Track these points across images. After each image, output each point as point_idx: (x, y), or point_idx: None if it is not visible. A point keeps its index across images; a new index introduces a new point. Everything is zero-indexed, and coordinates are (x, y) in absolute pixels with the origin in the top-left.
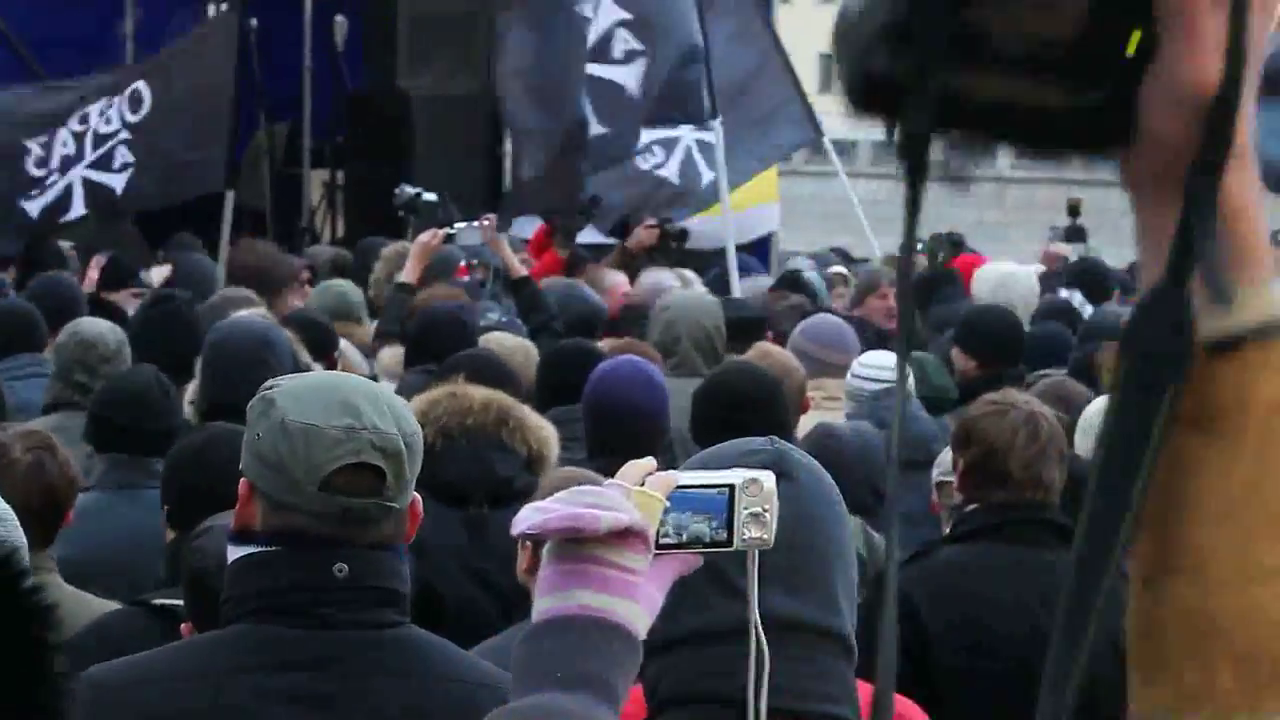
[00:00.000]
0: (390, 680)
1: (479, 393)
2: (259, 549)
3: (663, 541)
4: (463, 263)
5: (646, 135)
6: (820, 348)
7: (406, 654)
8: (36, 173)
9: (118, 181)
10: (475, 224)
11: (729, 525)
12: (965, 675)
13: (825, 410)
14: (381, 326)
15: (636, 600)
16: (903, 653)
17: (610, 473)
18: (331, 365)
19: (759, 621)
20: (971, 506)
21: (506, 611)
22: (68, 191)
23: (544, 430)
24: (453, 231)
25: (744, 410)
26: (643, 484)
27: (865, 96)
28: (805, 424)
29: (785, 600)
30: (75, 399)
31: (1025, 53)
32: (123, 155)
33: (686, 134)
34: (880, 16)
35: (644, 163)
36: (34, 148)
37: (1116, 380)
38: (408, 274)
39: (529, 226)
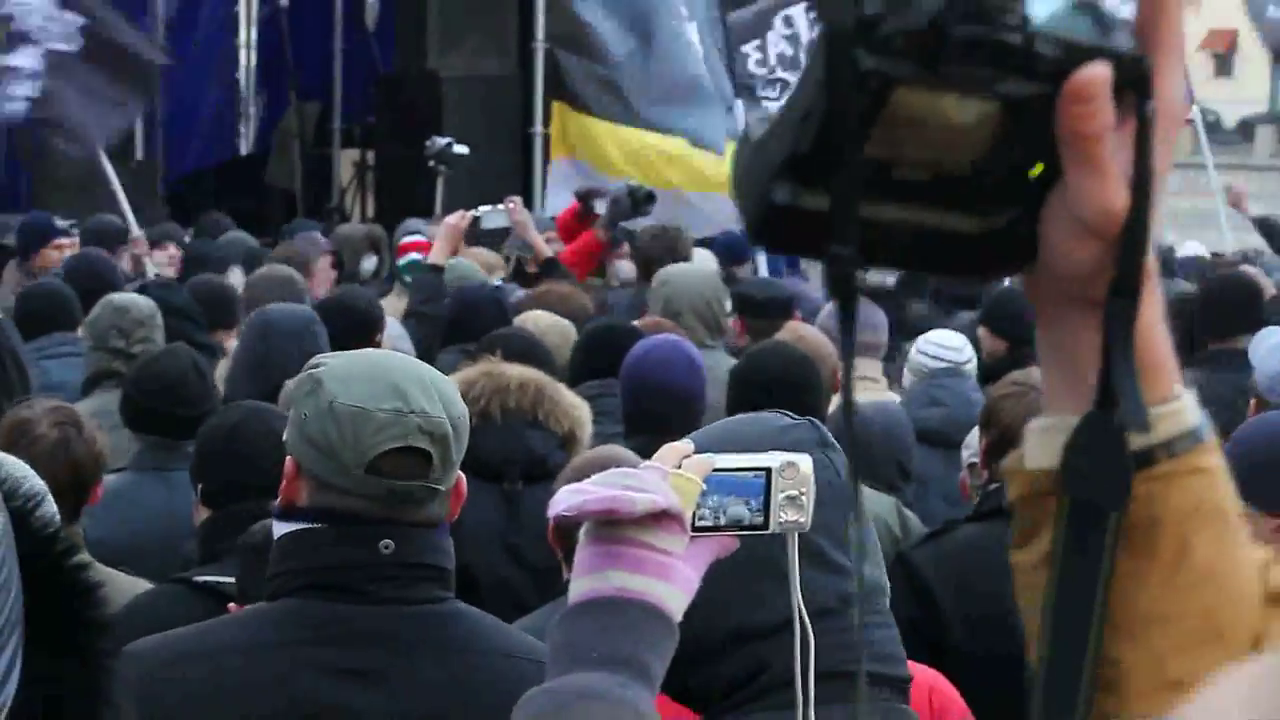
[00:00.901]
0: (435, 655)
1: (515, 371)
2: (306, 525)
3: (699, 524)
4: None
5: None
6: None
7: (453, 629)
8: None
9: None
10: (501, 206)
11: (765, 508)
12: (979, 654)
13: (858, 391)
14: (411, 306)
15: (672, 582)
16: (916, 630)
17: (647, 452)
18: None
19: (803, 607)
20: (994, 486)
21: (540, 588)
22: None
23: (579, 410)
24: (479, 214)
25: (780, 392)
26: (679, 467)
27: (770, 228)
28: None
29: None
30: (115, 366)
31: (929, 183)
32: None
33: None
34: (784, 149)
35: None
36: None
37: (1062, 512)
38: (436, 255)
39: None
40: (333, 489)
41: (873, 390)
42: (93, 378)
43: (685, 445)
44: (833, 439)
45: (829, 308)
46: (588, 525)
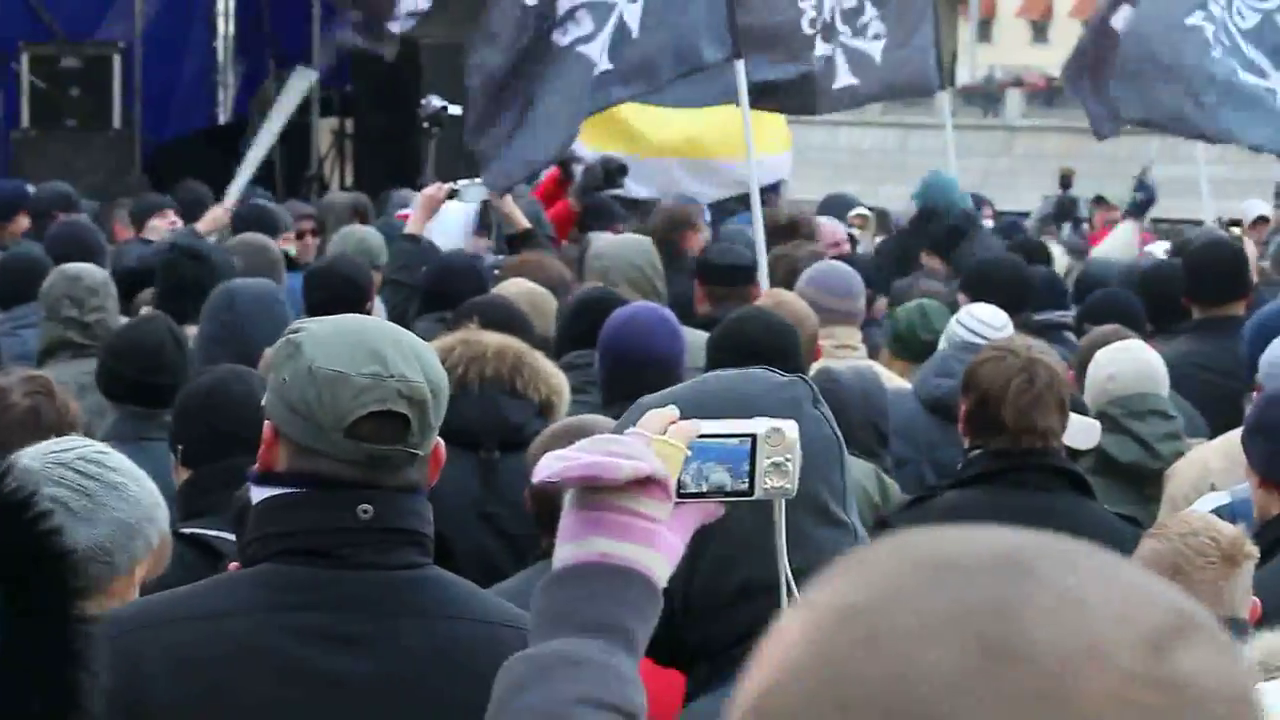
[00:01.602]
0: (416, 620)
1: (493, 339)
2: (284, 490)
3: (684, 490)
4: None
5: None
6: (827, 295)
7: (432, 594)
8: None
9: None
10: (480, 180)
11: (751, 475)
12: None
13: (837, 359)
14: (388, 275)
15: (656, 548)
16: None
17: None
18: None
19: (790, 573)
20: (976, 452)
21: (516, 556)
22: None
23: (556, 378)
24: (457, 187)
25: (759, 358)
26: (664, 433)
27: None
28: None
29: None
30: (69, 336)
31: None
32: None
33: None
34: None
35: None
36: None
37: None
38: (413, 225)
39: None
40: (311, 453)
41: (852, 357)
42: (47, 348)
43: (671, 411)
44: (820, 397)
45: (809, 273)
46: (572, 492)
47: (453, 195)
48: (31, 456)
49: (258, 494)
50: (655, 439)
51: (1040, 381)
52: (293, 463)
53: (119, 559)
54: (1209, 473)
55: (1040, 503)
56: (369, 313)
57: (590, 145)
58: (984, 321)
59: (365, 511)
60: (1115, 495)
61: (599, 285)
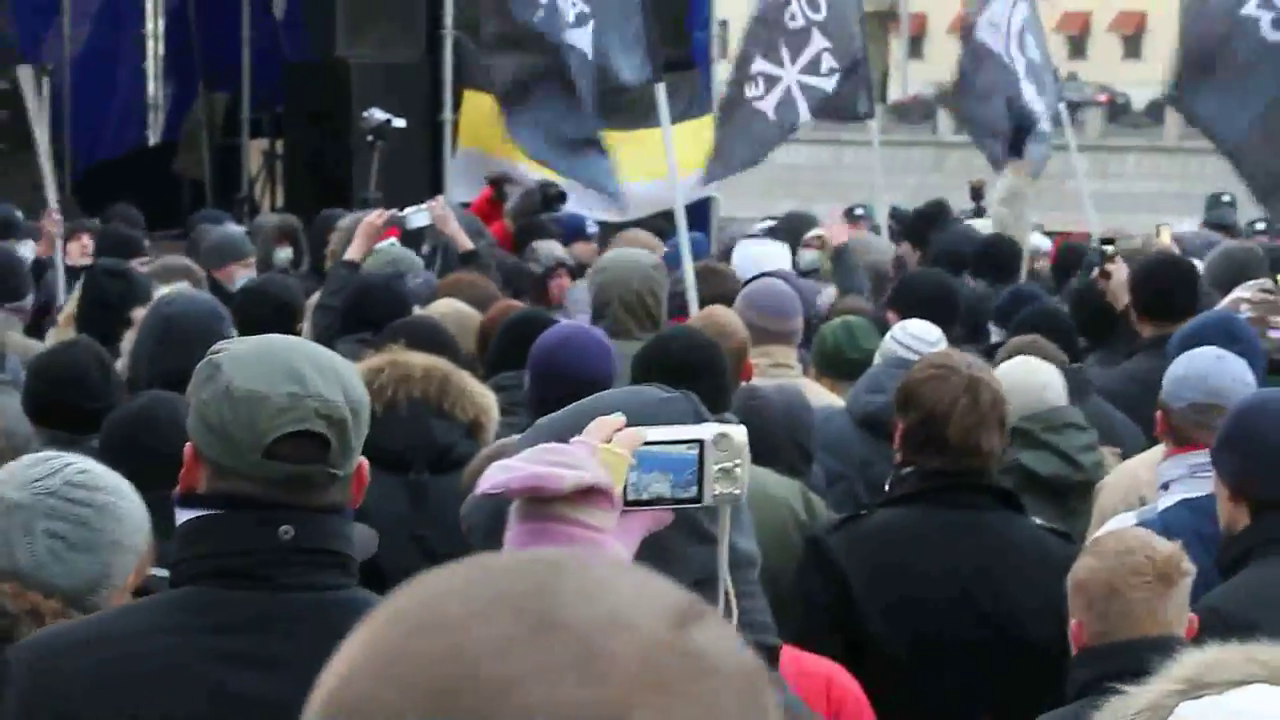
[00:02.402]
0: (338, 642)
1: (420, 360)
2: (205, 512)
3: (631, 498)
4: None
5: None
6: (762, 315)
7: (354, 616)
8: None
9: None
10: (424, 206)
11: (699, 480)
12: (893, 637)
13: (772, 378)
14: (319, 299)
15: None
16: (831, 616)
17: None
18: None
19: (729, 576)
20: (908, 470)
21: None
22: None
23: (484, 398)
24: (402, 215)
25: (682, 375)
26: (609, 440)
27: None
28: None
29: (739, 539)
30: None
31: None
32: None
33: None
34: None
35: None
36: None
37: None
38: (353, 251)
39: (464, 192)
40: (231, 474)
41: (787, 376)
42: None
43: (616, 419)
44: (707, 412)
45: (746, 292)
46: (517, 503)
47: (396, 222)
48: (15, 488)
49: (180, 516)
50: (600, 447)
51: (984, 402)
52: (213, 484)
53: (117, 578)
54: (1139, 484)
55: (972, 520)
56: (299, 334)
57: (517, 160)
58: (918, 337)
59: (286, 533)
60: (1037, 509)
61: (532, 307)
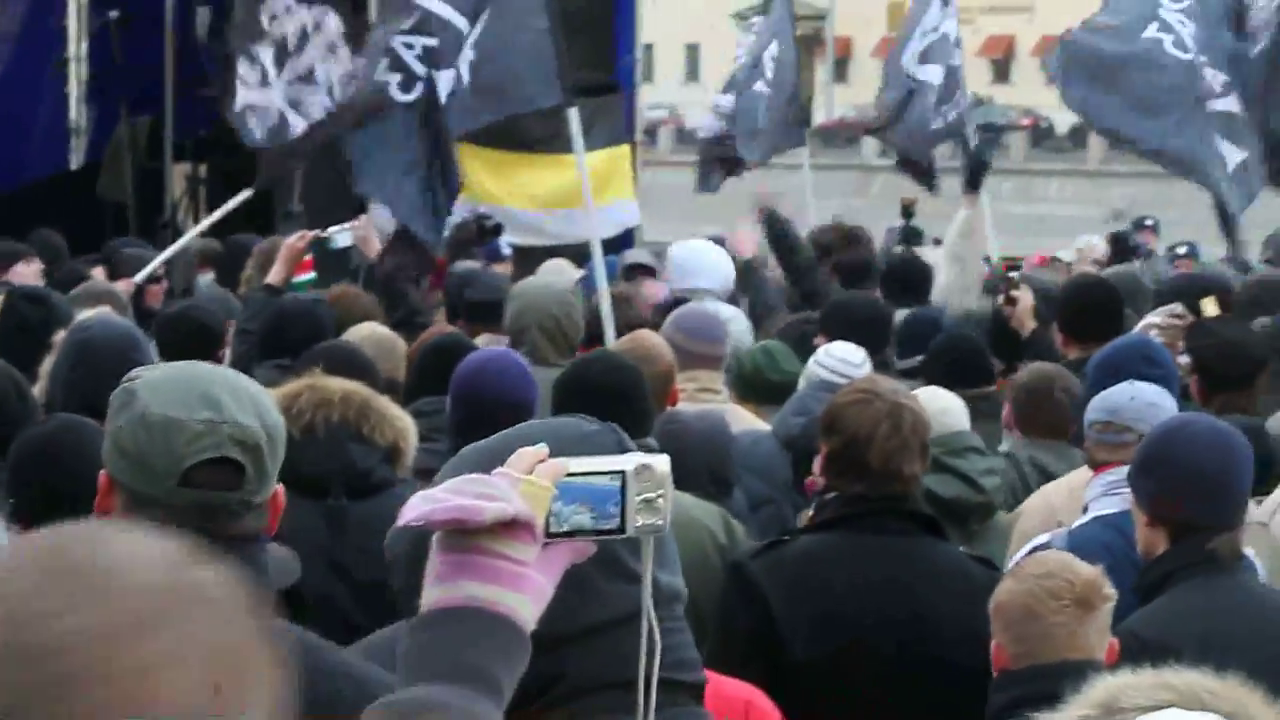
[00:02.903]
0: None
1: (338, 384)
2: None
3: (553, 530)
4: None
5: None
6: (690, 339)
7: None
8: None
9: None
10: (348, 226)
11: (622, 512)
12: (816, 663)
13: (700, 402)
14: (239, 324)
15: (523, 591)
16: (754, 643)
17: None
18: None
19: (652, 607)
20: (831, 494)
21: (366, 604)
22: None
23: (402, 421)
24: (324, 235)
25: (602, 400)
26: (531, 472)
27: None
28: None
29: (663, 574)
30: None
31: None
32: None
33: None
34: None
35: None
36: None
37: None
38: (274, 275)
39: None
40: (146, 501)
41: (714, 401)
42: None
43: (539, 450)
44: (632, 444)
45: (673, 316)
46: (439, 534)
47: (321, 243)
48: None
49: None
50: (523, 479)
51: (906, 427)
52: (128, 511)
53: None
54: (1056, 510)
55: (897, 547)
56: (220, 360)
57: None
58: (843, 360)
59: None
60: None
61: (452, 330)
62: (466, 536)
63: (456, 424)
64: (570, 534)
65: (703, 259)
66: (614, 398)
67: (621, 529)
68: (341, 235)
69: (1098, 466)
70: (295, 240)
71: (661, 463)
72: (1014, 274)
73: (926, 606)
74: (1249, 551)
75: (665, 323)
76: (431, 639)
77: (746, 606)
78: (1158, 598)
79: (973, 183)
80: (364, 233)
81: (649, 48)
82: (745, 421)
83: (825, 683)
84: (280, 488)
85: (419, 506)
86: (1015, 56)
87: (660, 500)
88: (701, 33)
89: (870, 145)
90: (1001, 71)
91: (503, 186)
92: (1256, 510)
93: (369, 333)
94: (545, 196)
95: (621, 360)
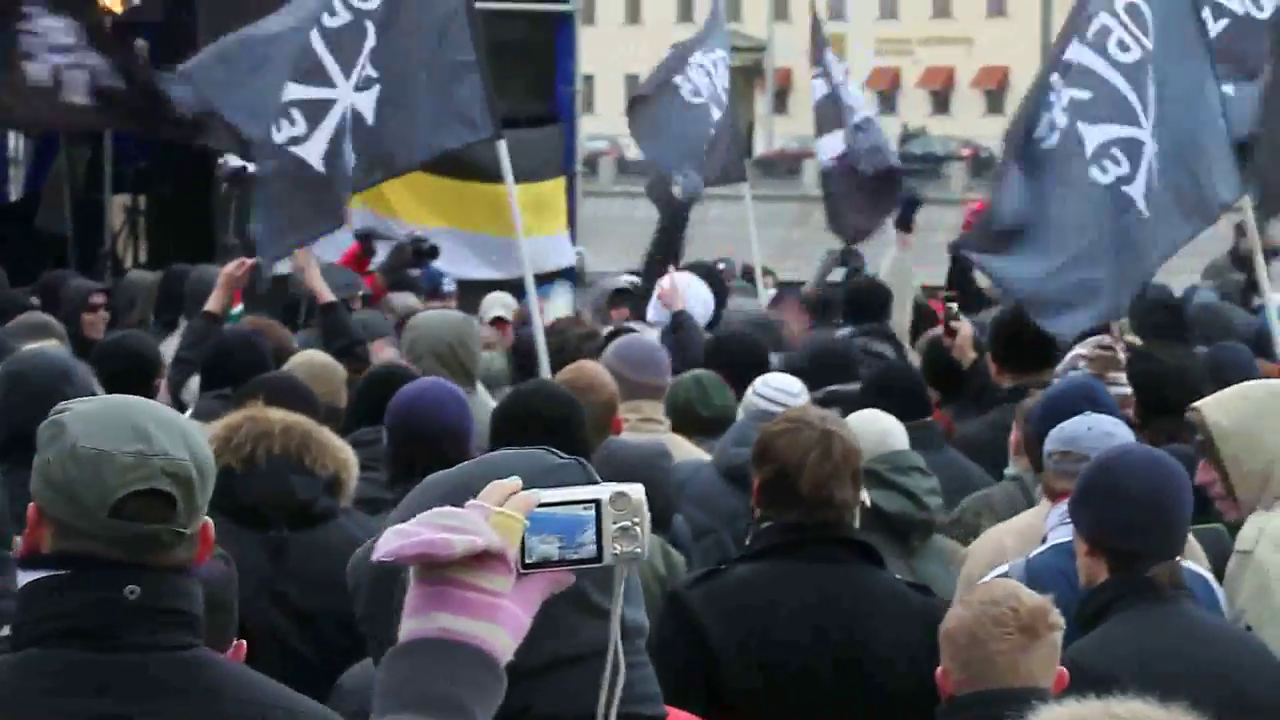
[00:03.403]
0: (184, 703)
1: (279, 415)
2: (49, 572)
3: (529, 561)
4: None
5: None
6: (631, 369)
7: (200, 677)
8: None
9: None
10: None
11: (599, 540)
12: (755, 692)
13: (642, 433)
14: (180, 353)
15: (498, 623)
16: (691, 673)
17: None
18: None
19: (620, 638)
20: (766, 524)
21: (308, 635)
22: None
23: (344, 452)
24: (262, 262)
25: (540, 429)
26: (504, 504)
27: None
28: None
29: (628, 609)
30: None
31: None
32: None
33: None
34: None
35: None
36: None
37: None
38: (213, 303)
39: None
40: (76, 533)
41: (656, 431)
42: None
43: (512, 483)
44: (598, 478)
45: (614, 346)
46: (415, 567)
47: (257, 269)
48: None
49: (23, 577)
50: (494, 511)
51: (836, 454)
52: (58, 543)
53: None
54: (1005, 551)
55: (833, 573)
56: (157, 389)
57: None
58: (780, 389)
59: (132, 592)
60: (880, 546)
61: (392, 362)
62: (441, 569)
63: (393, 454)
64: (545, 564)
65: (685, 290)
66: (551, 427)
67: (599, 557)
68: (280, 263)
69: (1055, 496)
70: (233, 268)
71: (636, 491)
72: (954, 305)
73: (863, 632)
74: (1233, 582)
75: (606, 353)
76: (404, 670)
77: (684, 636)
78: (1098, 626)
79: (903, 222)
80: (302, 262)
81: (589, 79)
82: (686, 451)
83: (763, 711)
84: (209, 520)
85: (391, 542)
86: (955, 87)
87: (637, 527)
88: (642, 64)
89: (811, 175)
90: (941, 102)
91: (438, 209)
92: (1239, 540)
93: (306, 360)
94: (482, 222)
95: (559, 390)
